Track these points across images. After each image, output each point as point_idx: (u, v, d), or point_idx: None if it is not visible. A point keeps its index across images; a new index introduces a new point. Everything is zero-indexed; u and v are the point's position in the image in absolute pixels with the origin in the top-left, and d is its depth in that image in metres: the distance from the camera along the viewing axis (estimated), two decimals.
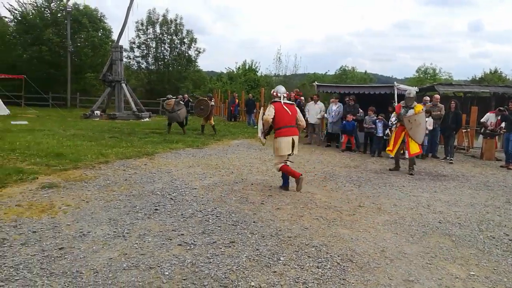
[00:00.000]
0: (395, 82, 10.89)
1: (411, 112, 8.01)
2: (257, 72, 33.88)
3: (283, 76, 30.86)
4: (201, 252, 3.57)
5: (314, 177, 7.26)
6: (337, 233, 4.30)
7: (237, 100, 20.14)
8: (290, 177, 6.09)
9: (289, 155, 6.11)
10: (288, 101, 6.21)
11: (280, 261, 3.47)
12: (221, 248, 3.70)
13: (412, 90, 8.80)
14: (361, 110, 11.36)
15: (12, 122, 14.10)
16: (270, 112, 5.96)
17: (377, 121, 10.48)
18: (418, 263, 3.63)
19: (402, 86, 11.53)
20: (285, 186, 6.14)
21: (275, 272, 3.26)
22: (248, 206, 5.13)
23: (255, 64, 34.36)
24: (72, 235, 3.79)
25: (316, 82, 13.99)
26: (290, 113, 6.02)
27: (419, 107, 8.07)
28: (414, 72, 42.86)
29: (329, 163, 8.93)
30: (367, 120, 10.81)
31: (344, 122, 11.19)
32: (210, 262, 3.36)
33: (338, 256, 3.67)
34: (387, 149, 8.69)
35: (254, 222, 4.49)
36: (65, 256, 3.33)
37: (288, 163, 6.10)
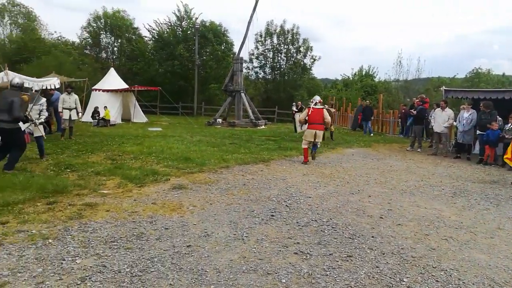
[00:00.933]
0: None
1: None
2: (375, 77, 32.48)
3: (403, 81, 28.94)
4: (317, 263, 3.51)
5: (441, 192, 6.58)
6: (471, 257, 3.80)
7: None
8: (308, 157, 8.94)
9: (314, 140, 8.86)
10: (319, 107, 9.07)
11: (404, 283, 3.20)
12: (338, 261, 3.59)
13: None
14: (500, 118, 9.94)
15: (149, 129, 16.10)
16: (304, 114, 9.18)
17: None
18: None
19: None
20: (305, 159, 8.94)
21: None
22: (365, 219, 4.90)
23: (372, 69, 33.02)
24: (198, 234, 4.11)
25: (444, 86, 12.76)
26: (319, 115, 8.88)
27: None
28: None
29: (459, 177, 8.00)
30: (507, 129, 9.40)
31: (487, 131, 9.88)
32: (327, 275, 3.28)
33: (473, 284, 3.24)
34: (505, 157, 8.04)
35: (372, 237, 4.26)
36: (192, 254, 3.61)
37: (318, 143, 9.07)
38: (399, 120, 16.89)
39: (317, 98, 9.38)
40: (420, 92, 22.56)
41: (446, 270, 3.49)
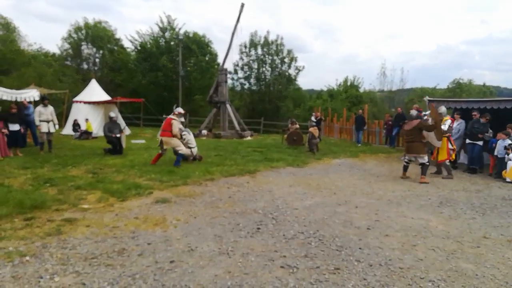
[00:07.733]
0: None
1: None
2: (359, 88, 32.89)
3: (388, 92, 29.38)
4: (304, 277, 3.43)
5: (427, 202, 6.60)
6: (458, 267, 3.78)
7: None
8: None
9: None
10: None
11: None
12: (325, 274, 3.51)
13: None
14: (491, 130, 9.99)
15: (132, 141, 15.83)
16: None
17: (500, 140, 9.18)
18: None
19: None
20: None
21: None
22: (353, 230, 4.85)
23: (357, 80, 33.47)
24: (181, 249, 3.99)
25: (427, 96, 12.95)
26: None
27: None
28: None
29: (445, 186, 8.05)
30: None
31: (493, 139, 9.80)
32: None
33: None
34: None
35: (360, 248, 4.20)
36: (175, 270, 3.49)
37: None
38: (385, 130, 16.99)
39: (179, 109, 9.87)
40: (405, 102, 22.90)
41: (434, 281, 3.45)
